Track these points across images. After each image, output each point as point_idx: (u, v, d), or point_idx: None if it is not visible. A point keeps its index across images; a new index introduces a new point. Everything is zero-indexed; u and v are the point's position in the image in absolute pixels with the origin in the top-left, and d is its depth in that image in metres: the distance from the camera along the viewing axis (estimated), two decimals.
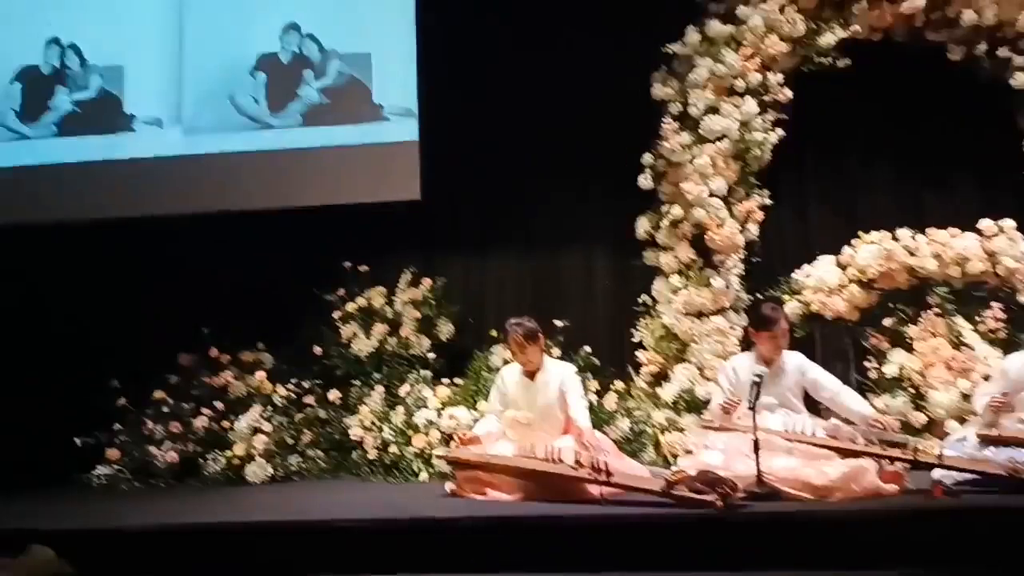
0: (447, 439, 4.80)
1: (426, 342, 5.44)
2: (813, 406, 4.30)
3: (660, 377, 5.11)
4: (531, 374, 4.40)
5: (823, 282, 5.02)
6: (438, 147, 5.53)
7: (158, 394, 5.32)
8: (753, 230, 5.21)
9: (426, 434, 4.90)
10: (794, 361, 4.24)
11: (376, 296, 5.55)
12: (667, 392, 5.00)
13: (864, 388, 4.77)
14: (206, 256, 5.70)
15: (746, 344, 4.85)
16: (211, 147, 5.64)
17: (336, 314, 5.52)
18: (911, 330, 4.84)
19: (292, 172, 5.57)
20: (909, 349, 4.81)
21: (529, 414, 4.33)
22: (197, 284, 5.65)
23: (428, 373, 5.32)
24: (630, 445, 4.81)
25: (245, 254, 5.69)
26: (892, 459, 3.71)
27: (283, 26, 5.71)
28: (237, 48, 5.71)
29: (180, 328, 5.45)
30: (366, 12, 5.64)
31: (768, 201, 5.25)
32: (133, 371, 5.28)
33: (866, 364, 4.89)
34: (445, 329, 5.49)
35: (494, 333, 5.28)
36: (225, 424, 5.25)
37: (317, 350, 5.49)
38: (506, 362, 4.89)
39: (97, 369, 5.31)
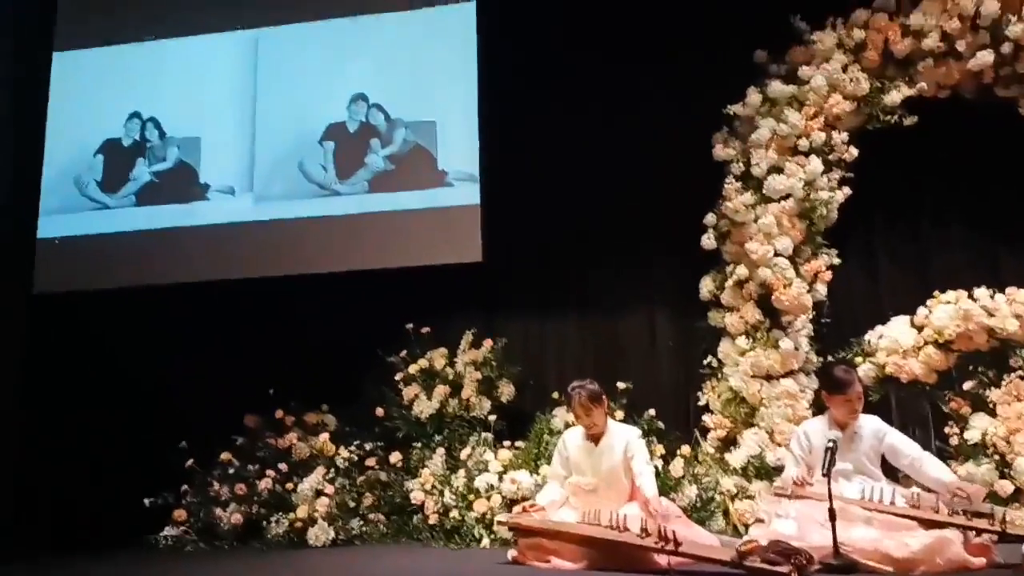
0: (509, 504, 4.73)
1: (487, 404, 5.41)
2: (891, 473, 4.11)
3: (728, 442, 4.97)
4: (595, 438, 4.32)
5: (897, 343, 4.86)
6: (500, 209, 5.61)
7: (225, 455, 5.40)
8: (821, 290, 5.10)
9: (487, 499, 4.84)
10: (870, 425, 4.08)
11: (438, 357, 5.57)
12: (736, 458, 4.85)
13: (945, 455, 4.55)
14: (272, 318, 5.83)
15: (817, 408, 4.71)
16: (280, 213, 5.83)
17: (398, 375, 5.55)
18: (993, 394, 4.63)
19: (357, 236, 5.70)
20: (992, 414, 4.59)
21: (593, 480, 4.24)
22: (264, 346, 5.77)
23: (489, 436, 5.27)
24: (698, 513, 4.67)
25: (310, 316, 5.81)
26: (979, 530, 3.52)
27: (351, 96, 5.91)
28: (307, 118, 5.92)
29: (248, 389, 5.55)
30: (431, 82, 5.80)
31: (836, 260, 5.15)
32: (203, 432, 5.38)
33: (946, 429, 4.68)
34: (506, 391, 5.46)
35: (556, 395, 5.23)
36: (289, 486, 5.27)
37: (379, 412, 5.51)
38: (568, 425, 4.83)
39: (168, 430, 5.41)
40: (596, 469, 4.26)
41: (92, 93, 6.20)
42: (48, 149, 6.12)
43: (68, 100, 6.20)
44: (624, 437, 4.29)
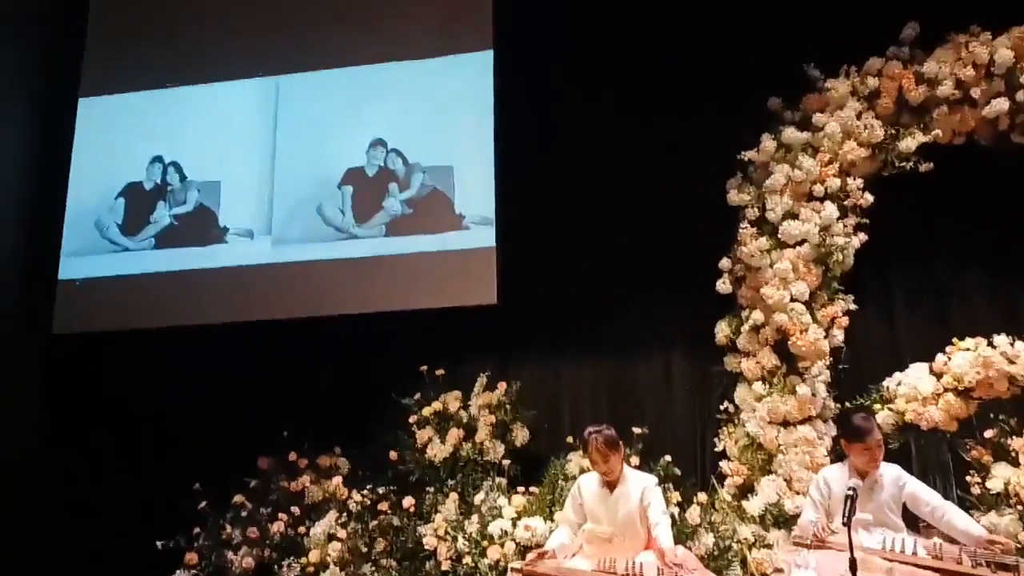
0: (523, 551, 4.66)
1: (501, 448, 5.35)
2: (912, 523, 4.03)
3: (746, 489, 4.89)
4: (611, 485, 4.26)
5: (917, 390, 4.79)
6: (514, 252, 5.64)
7: (238, 498, 5.36)
8: (839, 336, 5.06)
9: (501, 545, 4.77)
10: (891, 474, 4.01)
11: (452, 400, 5.54)
12: (754, 505, 4.77)
13: (967, 504, 4.46)
14: (287, 360, 5.84)
15: (836, 455, 4.64)
16: (297, 256, 5.88)
17: (412, 418, 5.52)
18: (1015, 442, 4.54)
19: (372, 278, 5.74)
20: (1014, 463, 4.51)
21: (609, 528, 4.17)
22: (278, 388, 5.77)
23: (503, 481, 5.22)
24: (715, 562, 4.58)
25: (325, 358, 5.81)
26: None
27: (370, 141, 5.99)
28: (326, 163, 6.00)
29: (261, 431, 5.53)
30: (449, 128, 5.88)
31: (853, 306, 5.11)
32: (216, 474, 5.36)
33: (968, 478, 4.59)
34: (520, 435, 5.41)
35: (570, 439, 5.20)
36: (301, 529, 5.23)
37: (392, 455, 5.48)
38: (583, 470, 4.78)
39: (182, 471, 5.39)
40: (612, 517, 4.20)
41: (115, 137, 6.32)
42: (71, 192, 6.21)
43: (92, 144, 6.31)
44: (641, 484, 4.24)
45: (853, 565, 3.38)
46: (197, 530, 5.30)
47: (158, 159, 6.25)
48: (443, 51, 5.98)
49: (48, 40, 6.43)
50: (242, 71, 6.25)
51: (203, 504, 5.28)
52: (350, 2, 6.23)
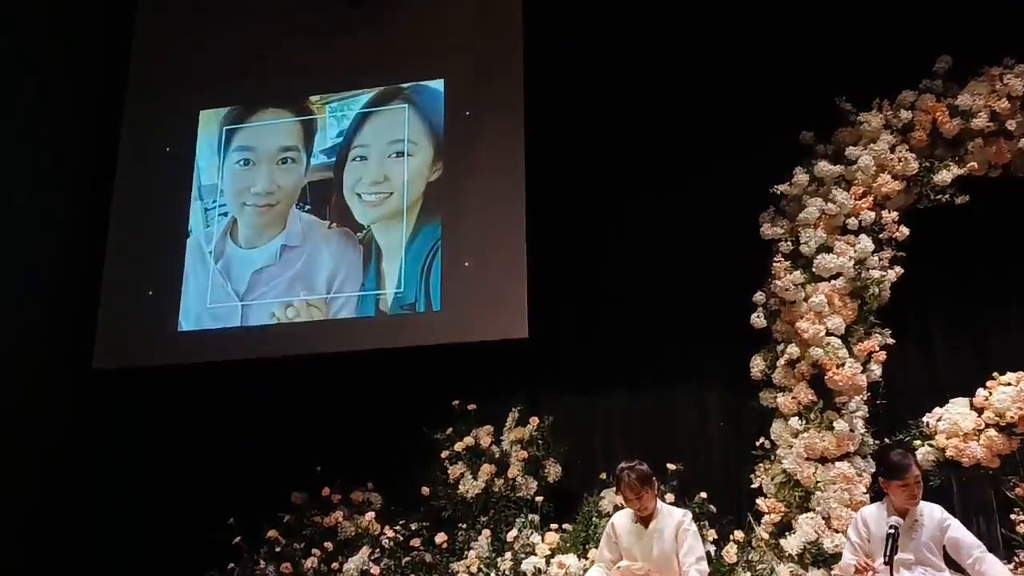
0: None
1: (533, 484, 5.32)
2: (953, 562, 3.94)
3: (783, 527, 4.81)
4: (644, 520, 4.23)
5: (957, 426, 4.70)
6: (546, 285, 5.63)
7: (271, 533, 5.36)
8: (876, 370, 4.99)
9: None
10: (933, 514, 3.93)
11: (484, 435, 5.52)
12: (791, 544, 4.69)
13: (1012, 544, 4.37)
14: (319, 395, 5.86)
15: (875, 492, 4.56)
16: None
17: (444, 453, 5.50)
18: None
19: (404, 315, 5.75)
20: None
21: (644, 564, 4.13)
22: (310, 423, 5.80)
23: (536, 517, 5.18)
24: None
25: (357, 393, 5.83)
26: None
27: None
28: None
29: (295, 466, 5.55)
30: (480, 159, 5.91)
31: (890, 340, 5.03)
32: (250, 509, 5.37)
33: (1012, 516, 4.48)
34: (553, 470, 5.38)
35: (603, 476, 5.15)
36: (334, 565, 5.21)
37: (425, 490, 5.46)
38: (617, 507, 4.74)
39: (217, 506, 5.42)
40: (647, 553, 4.17)
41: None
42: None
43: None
44: (675, 520, 4.21)
45: None
46: (231, 565, 5.29)
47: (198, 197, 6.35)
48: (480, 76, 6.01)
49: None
50: (282, 95, 6.35)
51: (237, 539, 5.28)
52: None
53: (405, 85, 6.19)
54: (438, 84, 6.13)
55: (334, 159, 6.19)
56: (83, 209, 6.32)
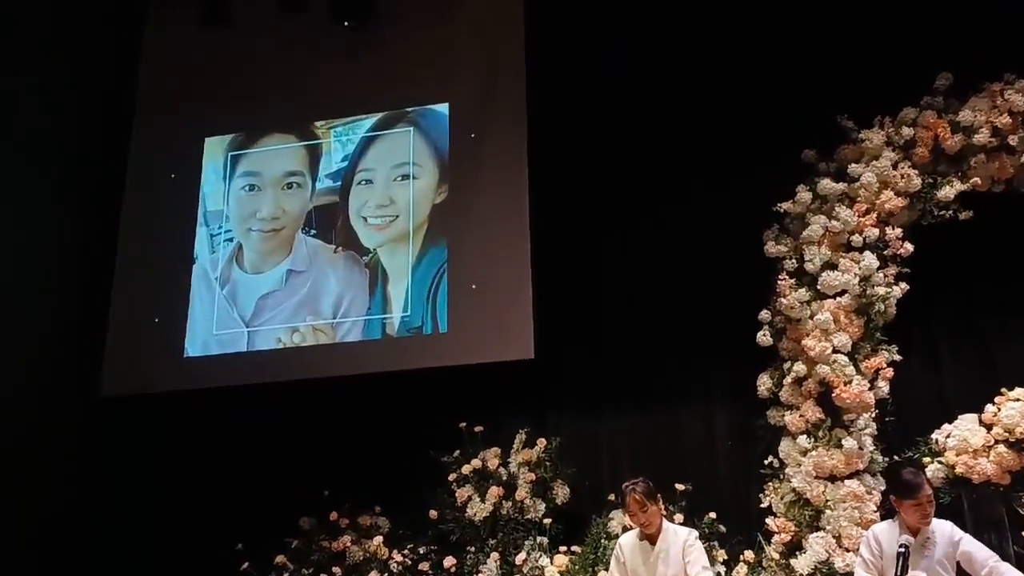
0: None
1: (542, 506, 5.31)
2: None
3: (793, 547, 4.78)
4: (650, 538, 4.22)
5: (967, 442, 4.68)
6: (551, 307, 5.63)
7: (279, 558, 5.35)
8: (883, 387, 4.97)
9: None
10: (944, 530, 3.90)
11: (491, 457, 5.51)
12: (802, 563, 4.66)
13: None
14: (325, 419, 5.86)
15: (886, 510, 4.53)
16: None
17: (451, 476, 5.49)
18: None
19: (410, 337, 5.76)
20: None
21: None
22: (318, 447, 5.79)
23: (544, 540, 5.16)
24: None
25: (363, 416, 5.82)
26: None
27: None
28: None
29: (303, 490, 5.55)
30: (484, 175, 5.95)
31: (897, 357, 5.02)
32: (258, 533, 5.36)
33: None
34: (561, 492, 5.36)
35: (612, 497, 5.13)
36: None
37: (432, 514, 5.44)
38: (625, 528, 4.71)
39: (225, 531, 5.41)
40: (652, 573, 4.15)
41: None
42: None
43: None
44: (681, 539, 4.21)
45: None
46: None
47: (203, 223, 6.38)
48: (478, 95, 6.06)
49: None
50: (285, 120, 6.40)
51: (246, 564, 5.27)
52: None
53: (410, 109, 6.23)
54: (443, 107, 6.17)
55: (339, 183, 6.21)
56: (90, 236, 6.34)
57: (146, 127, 6.58)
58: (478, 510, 5.33)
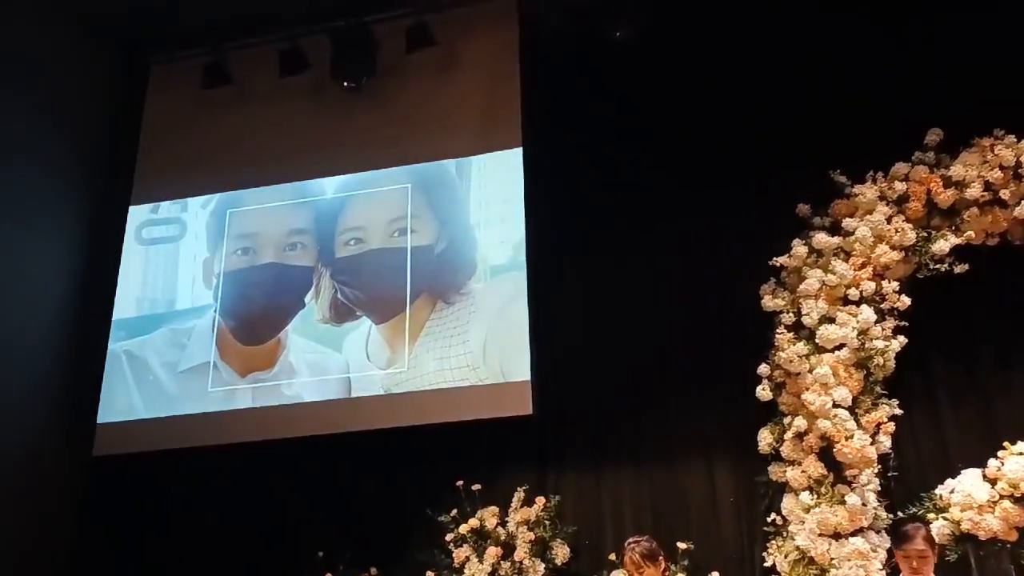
0: None
1: (541, 567, 5.19)
2: None
3: None
4: None
5: (971, 497, 4.62)
6: (550, 362, 5.61)
7: None
8: (885, 442, 4.93)
9: None
10: None
11: (489, 517, 5.41)
12: None
13: None
14: (319, 478, 5.77)
15: (892, 568, 4.45)
16: None
17: (448, 536, 5.39)
18: None
19: (406, 394, 5.70)
20: None
21: None
22: (312, 506, 5.69)
23: None
24: None
25: (357, 475, 5.73)
26: None
27: None
28: None
29: (296, 551, 5.43)
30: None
31: (898, 411, 4.98)
32: None
33: None
34: (561, 552, 5.25)
35: (612, 557, 5.03)
36: None
37: (429, 575, 5.32)
38: None
39: None
40: None
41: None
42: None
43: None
44: None
45: None
46: None
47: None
48: (476, 151, 6.12)
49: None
50: (285, 178, 6.44)
51: None
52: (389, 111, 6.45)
53: (407, 166, 6.27)
54: (441, 163, 6.22)
55: (333, 240, 6.23)
56: (87, 292, 6.35)
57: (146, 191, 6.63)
58: (476, 571, 5.22)
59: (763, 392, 5.16)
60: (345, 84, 6.41)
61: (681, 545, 4.89)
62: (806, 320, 5.15)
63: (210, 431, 5.85)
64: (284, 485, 5.79)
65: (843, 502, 4.75)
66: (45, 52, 6.25)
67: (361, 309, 6.01)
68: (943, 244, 5.13)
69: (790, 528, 4.89)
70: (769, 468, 5.09)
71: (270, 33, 6.56)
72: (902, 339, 5.07)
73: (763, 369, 5.22)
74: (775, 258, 5.35)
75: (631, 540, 4.19)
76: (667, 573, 4.49)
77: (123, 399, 6.06)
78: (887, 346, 5.04)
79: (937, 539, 4.44)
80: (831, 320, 5.12)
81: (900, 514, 4.75)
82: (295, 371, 5.94)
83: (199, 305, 6.27)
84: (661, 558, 4.15)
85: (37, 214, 6.11)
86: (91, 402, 6.05)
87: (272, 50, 6.53)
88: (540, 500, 5.37)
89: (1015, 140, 5.18)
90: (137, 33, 6.76)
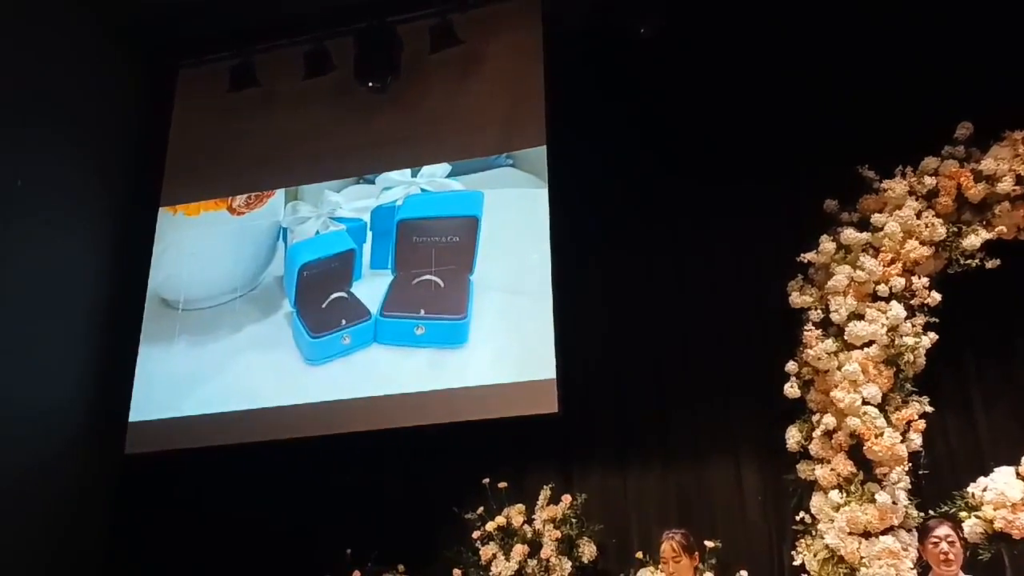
0: None
1: (567, 565, 5.19)
2: None
3: None
4: None
5: (1004, 496, 4.55)
6: (575, 360, 5.61)
7: None
8: (916, 439, 4.86)
9: None
10: None
11: (515, 514, 5.42)
12: None
13: None
14: (348, 476, 5.81)
15: (923, 567, 4.40)
16: None
17: (475, 533, 5.40)
18: None
19: (434, 393, 5.73)
20: None
21: None
22: (341, 504, 5.73)
23: None
24: None
25: (385, 473, 5.78)
26: None
27: None
28: None
29: (324, 549, 5.48)
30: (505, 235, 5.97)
31: (929, 408, 4.92)
32: None
33: None
34: (587, 550, 5.24)
35: (639, 555, 5.03)
36: None
37: (456, 573, 5.34)
38: None
39: None
40: None
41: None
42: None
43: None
44: None
45: None
46: None
47: None
48: (501, 150, 6.13)
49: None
50: (312, 179, 6.48)
51: None
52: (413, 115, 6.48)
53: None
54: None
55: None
56: (117, 293, 6.44)
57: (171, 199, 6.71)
58: (503, 569, 5.22)
59: (791, 389, 5.12)
60: (370, 85, 6.44)
61: (709, 543, 4.86)
62: (834, 317, 5.10)
63: (238, 429, 5.90)
64: (313, 483, 5.84)
65: (873, 500, 4.70)
66: (75, 58, 6.36)
67: None
68: (974, 239, 5.05)
69: (819, 527, 4.84)
70: (797, 466, 5.05)
71: (295, 35, 6.61)
72: (933, 335, 5.01)
73: (791, 366, 5.17)
74: (803, 254, 5.30)
75: (670, 530, 4.31)
76: (698, 570, 4.49)
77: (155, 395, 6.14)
78: (917, 342, 4.97)
79: (969, 538, 4.41)
80: (860, 317, 5.06)
81: (931, 512, 4.68)
82: None
83: None
84: (696, 553, 4.17)
85: (69, 216, 6.22)
86: (123, 400, 6.13)
87: (297, 52, 6.59)
88: (566, 498, 5.37)
89: None
90: (164, 39, 6.86)
